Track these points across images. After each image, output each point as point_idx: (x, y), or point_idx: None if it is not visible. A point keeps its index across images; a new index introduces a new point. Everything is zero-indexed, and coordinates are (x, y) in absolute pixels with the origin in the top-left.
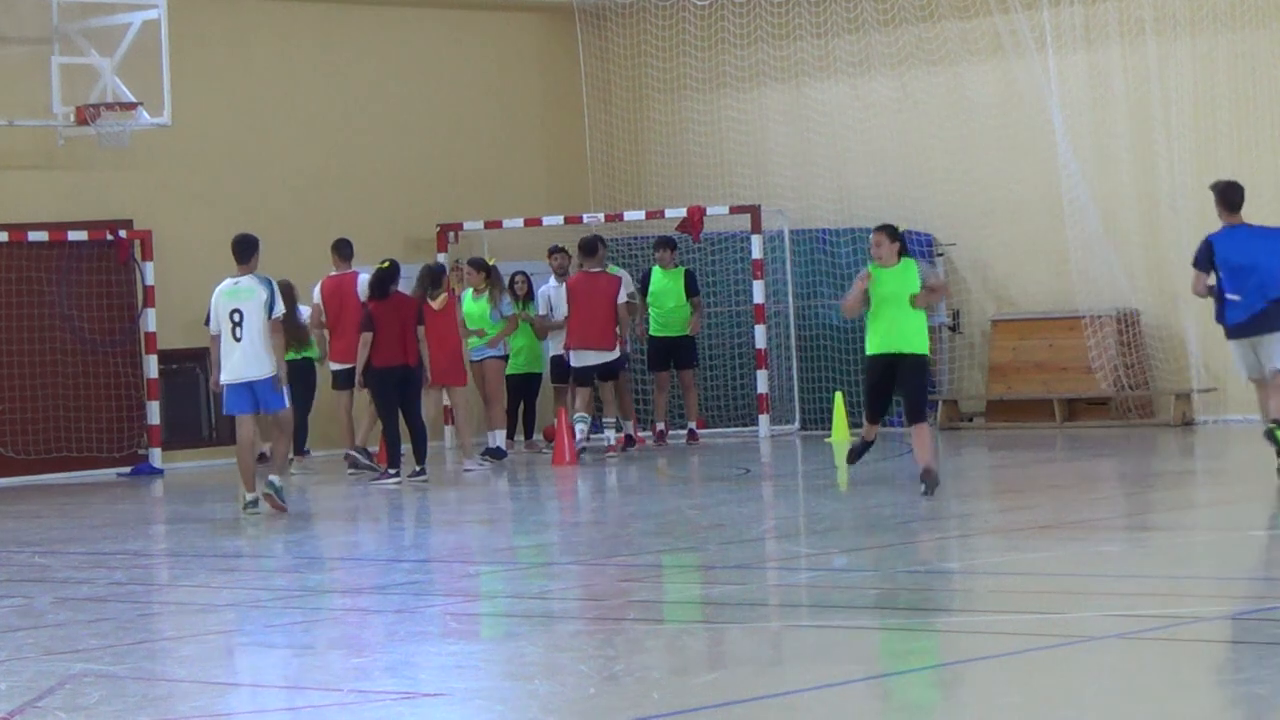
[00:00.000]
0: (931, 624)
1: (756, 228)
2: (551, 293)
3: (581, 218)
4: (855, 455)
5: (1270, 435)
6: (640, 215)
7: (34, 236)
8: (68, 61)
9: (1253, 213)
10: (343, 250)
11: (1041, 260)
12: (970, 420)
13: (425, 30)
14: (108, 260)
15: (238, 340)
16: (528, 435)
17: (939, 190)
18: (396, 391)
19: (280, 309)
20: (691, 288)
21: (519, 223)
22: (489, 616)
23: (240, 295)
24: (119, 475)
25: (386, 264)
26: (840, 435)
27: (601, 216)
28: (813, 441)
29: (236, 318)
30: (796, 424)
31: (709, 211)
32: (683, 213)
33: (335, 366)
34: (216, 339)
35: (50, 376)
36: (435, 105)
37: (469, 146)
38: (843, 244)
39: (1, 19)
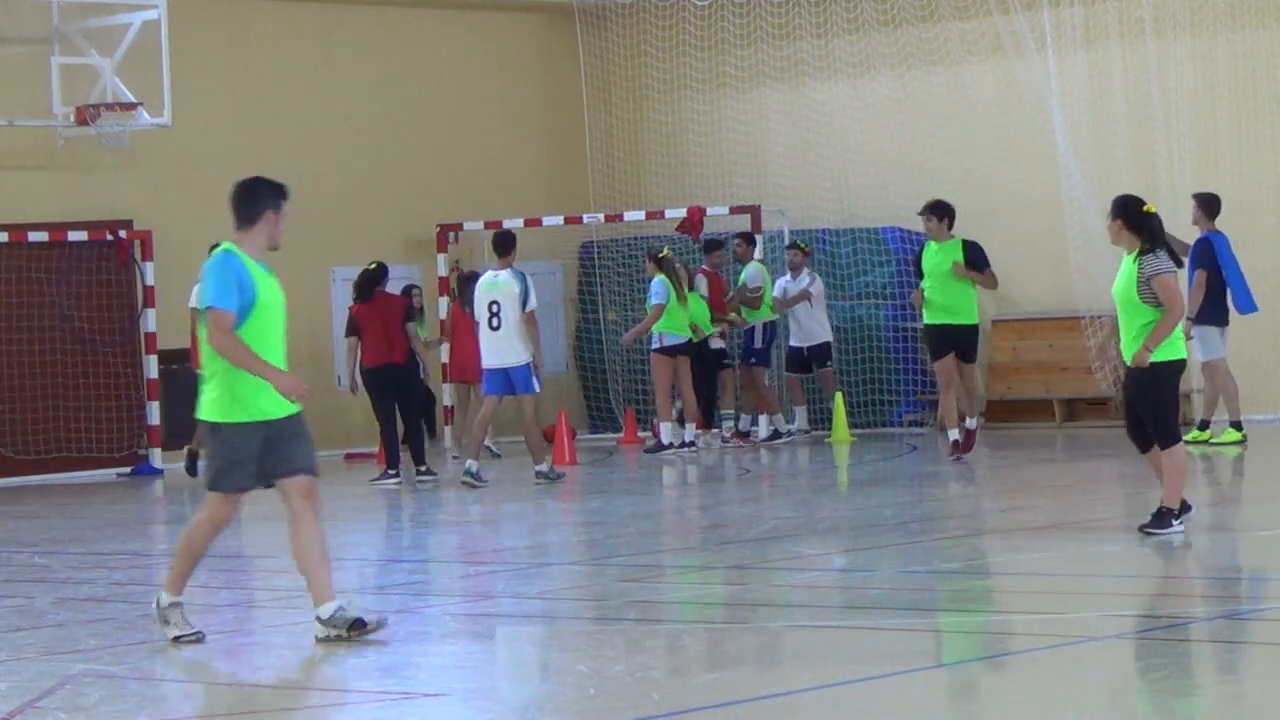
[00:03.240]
0: (931, 624)
1: (756, 228)
2: (789, 286)
3: (581, 218)
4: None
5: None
6: (640, 215)
7: (34, 237)
8: (68, 62)
9: (1254, 212)
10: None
11: (1041, 260)
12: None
13: (425, 30)
14: (108, 260)
15: (495, 329)
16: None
17: (939, 190)
18: (390, 391)
19: (533, 302)
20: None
21: (519, 223)
22: (488, 617)
23: (498, 288)
24: (119, 475)
25: (374, 266)
26: (840, 435)
27: (601, 217)
28: (813, 441)
29: (494, 308)
30: (796, 424)
31: (709, 212)
32: (683, 213)
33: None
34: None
35: (50, 377)
36: (435, 105)
37: (469, 147)
38: (843, 244)
39: (1, 19)
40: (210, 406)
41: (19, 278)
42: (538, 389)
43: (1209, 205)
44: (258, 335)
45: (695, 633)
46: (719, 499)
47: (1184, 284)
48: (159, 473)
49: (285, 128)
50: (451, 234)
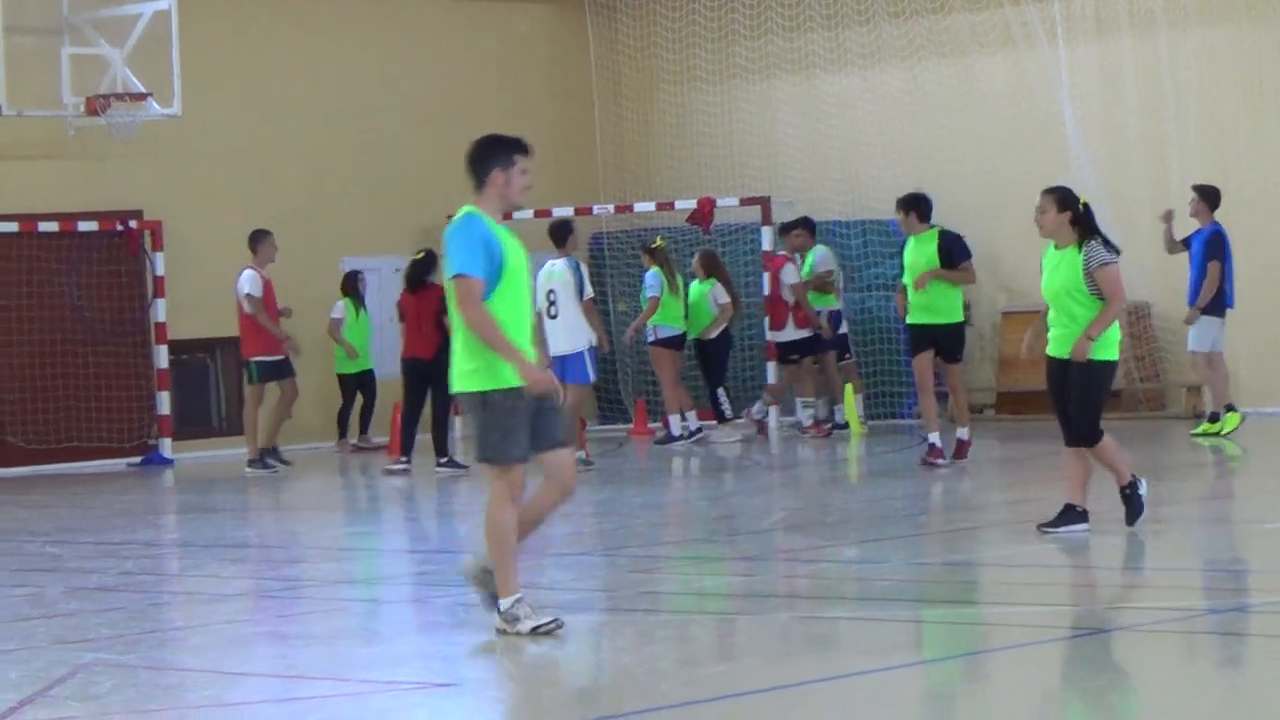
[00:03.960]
0: (942, 617)
1: (767, 219)
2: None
3: (591, 209)
4: None
5: None
6: (650, 207)
7: (44, 227)
8: (78, 52)
9: (1265, 204)
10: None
11: None
12: (980, 412)
13: (435, 20)
14: (118, 250)
15: (552, 318)
16: (363, 432)
17: (950, 182)
18: (421, 382)
19: (589, 291)
20: None
21: (529, 214)
22: None
23: (555, 277)
24: (129, 465)
25: (421, 254)
26: (851, 427)
27: (611, 208)
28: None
29: (552, 297)
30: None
31: (719, 203)
32: (693, 204)
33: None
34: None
35: (60, 367)
36: (445, 95)
37: (478, 135)
38: (853, 235)
39: (12, 10)
40: (471, 377)
41: (29, 268)
42: (592, 379)
43: (1210, 197)
44: (508, 305)
45: (705, 623)
46: (728, 490)
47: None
48: (169, 462)
49: (295, 118)
50: None
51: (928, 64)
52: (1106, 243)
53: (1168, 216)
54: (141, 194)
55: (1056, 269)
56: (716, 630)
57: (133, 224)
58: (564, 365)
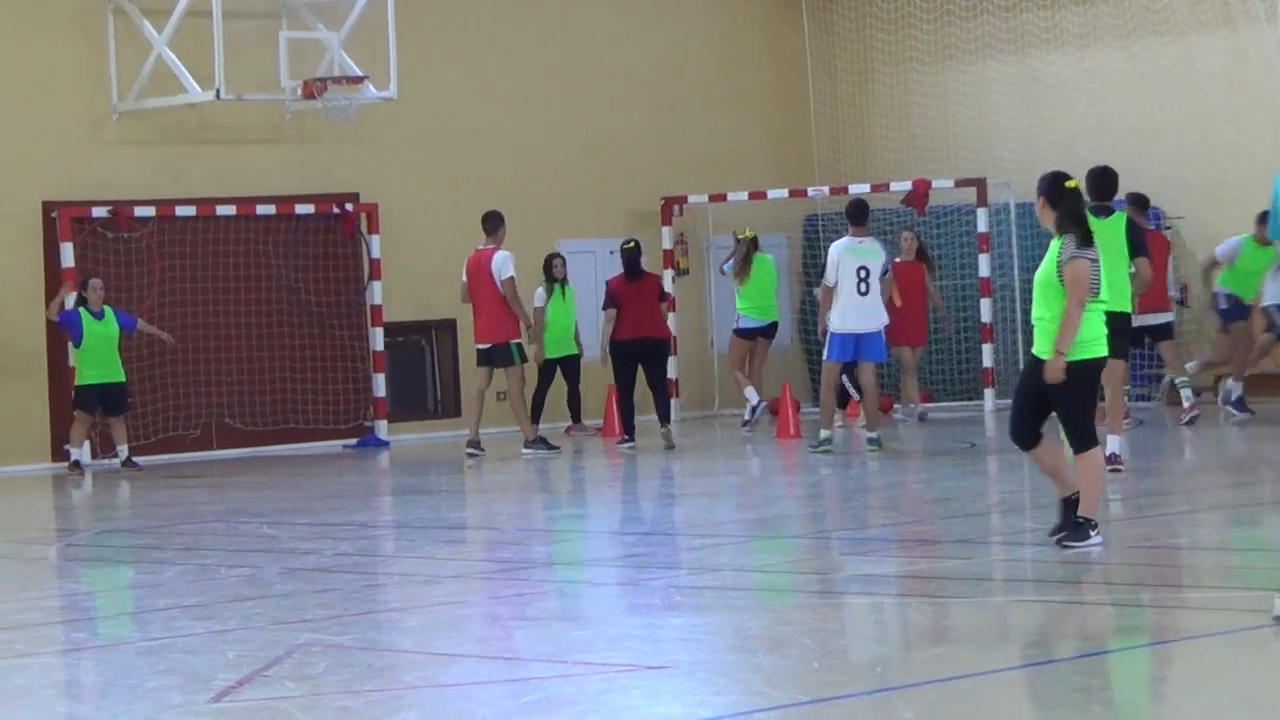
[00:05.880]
0: (1156, 600)
1: (982, 201)
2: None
3: (806, 191)
4: None
5: None
6: (865, 188)
7: (262, 210)
8: (295, 36)
9: None
10: (484, 224)
11: None
12: (1198, 395)
13: (651, 4)
14: (334, 233)
15: (863, 295)
16: (575, 419)
17: (1168, 163)
18: (635, 364)
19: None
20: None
21: (743, 196)
22: (713, 590)
23: (865, 254)
24: (345, 447)
25: (631, 244)
26: None
27: (826, 190)
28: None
29: (862, 274)
30: None
31: (934, 185)
32: (908, 186)
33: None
34: (830, 290)
35: (277, 349)
36: (660, 78)
37: (693, 120)
38: None
39: None
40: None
41: (247, 250)
42: (886, 356)
43: None
44: None
45: (919, 607)
46: (943, 474)
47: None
48: (385, 444)
49: (510, 101)
50: (676, 207)
51: (1145, 43)
52: (1083, 238)
53: None
54: (358, 177)
55: (1046, 258)
56: (931, 613)
57: (349, 207)
58: (860, 342)
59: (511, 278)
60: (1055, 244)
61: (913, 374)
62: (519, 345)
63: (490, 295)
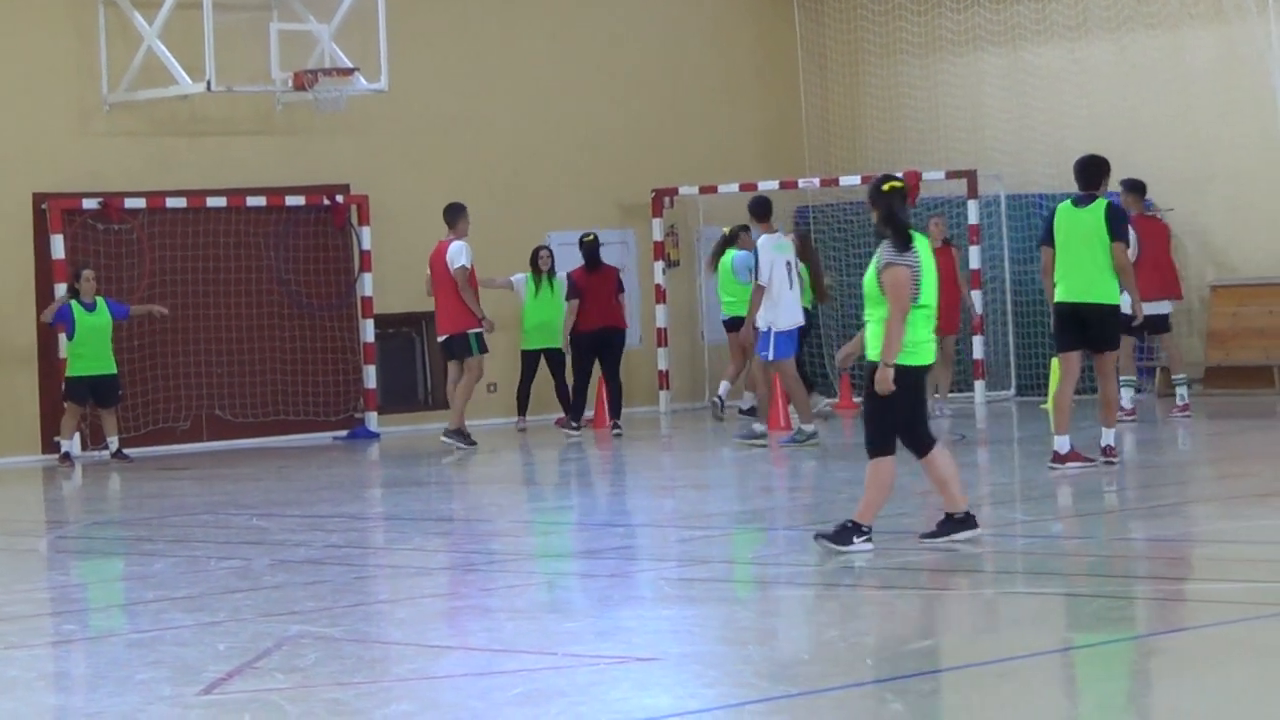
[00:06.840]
0: (1147, 591)
1: (973, 192)
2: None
3: (797, 183)
4: None
5: None
6: (856, 180)
7: (252, 201)
8: (286, 28)
9: None
10: (445, 216)
11: (1262, 225)
12: (1189, 386)
13: None
14: (325, 225)
15: (791, 289)
16: (566, 410)
17: (1157, 155)
18: (593, 354)
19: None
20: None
21: (734, 188)
22: (702, 582)
23: (785, 249)
24: (335, 439)
25: (590, 236)
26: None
27: (817, 181)
28: (1028, 408)
29: (788, 269)
30: (1012, 390)
31: (925, 176)
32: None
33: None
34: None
35: (267, 341)
36: (650, 70)
37: (684, 111)
38: None
39: None
40: None
41: (238, 242)
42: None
43: None
44: None
45: (909, 599)
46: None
47: None
48: (375, 436)
49: (500, 93)
50: (667, 198)
51: (1135, 35)
52: (902, 242)
53: None
54: (349, 168)
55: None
56: (920, 605)
57: (340, 198)
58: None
59: (463, 267)
60: (879, 249)
61: (949, 364)
62: (478, 335)
63: (447, 287)
